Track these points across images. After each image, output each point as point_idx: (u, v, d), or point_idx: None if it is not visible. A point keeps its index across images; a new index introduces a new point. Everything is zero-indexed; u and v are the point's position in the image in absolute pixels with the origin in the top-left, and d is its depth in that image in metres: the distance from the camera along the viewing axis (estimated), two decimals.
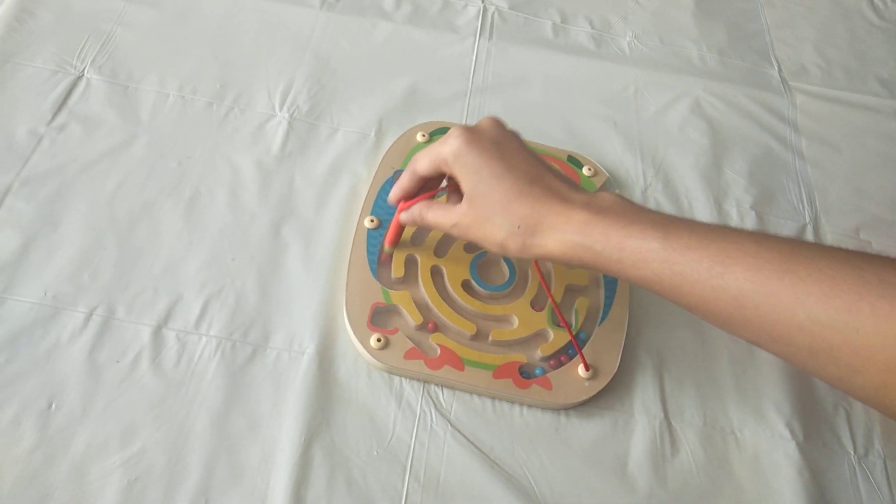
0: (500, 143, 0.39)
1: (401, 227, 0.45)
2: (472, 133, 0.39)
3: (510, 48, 0.64)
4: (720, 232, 0.34)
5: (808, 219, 0.56)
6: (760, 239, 0.33)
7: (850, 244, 0.55)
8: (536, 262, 0.46)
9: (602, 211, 0.36)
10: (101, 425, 0.39)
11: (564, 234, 0.36)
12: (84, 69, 0.54)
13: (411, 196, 0.43)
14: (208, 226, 0.47)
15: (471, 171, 0.38)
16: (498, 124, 0.40)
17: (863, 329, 0.29)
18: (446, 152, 0.39)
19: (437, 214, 0.41)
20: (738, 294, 0.32)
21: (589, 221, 0.36)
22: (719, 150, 0.60)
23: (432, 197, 0.43)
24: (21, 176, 0.47)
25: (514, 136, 0.40)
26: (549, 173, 0.39)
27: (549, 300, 0.45)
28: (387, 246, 0.46)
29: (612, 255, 0.35)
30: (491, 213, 0.38)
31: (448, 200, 0.42)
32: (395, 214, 0.44)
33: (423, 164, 0.41)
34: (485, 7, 0.67)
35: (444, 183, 0.43)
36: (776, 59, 0.69)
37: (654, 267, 0.34)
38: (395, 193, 0.43)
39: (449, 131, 0.39)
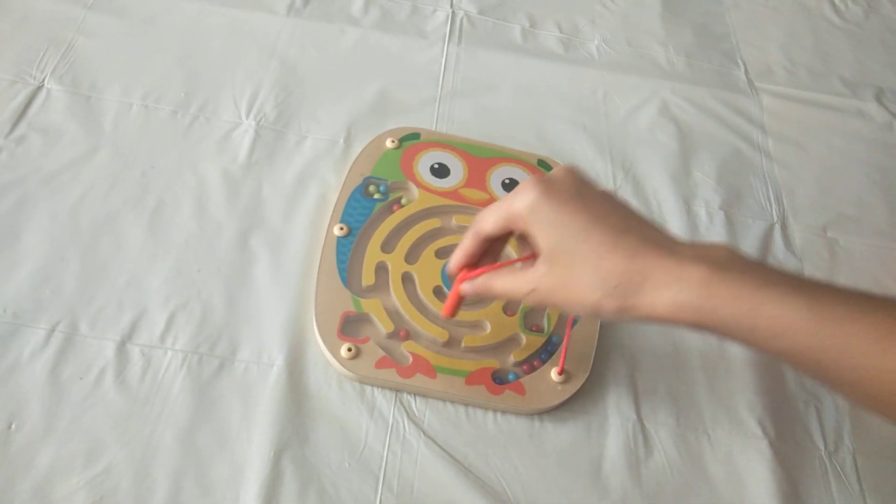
0: (581, 192, 0.34)
1: (460, 299, 0.40)
2: (549, 185, 0.34)
3: (479, 53, 0.64)
4: (871, 300, 0.31)
5: (775, 218, 0.57)
6: None
7: (818, 242, 0.56)
8: (570, 323, 0.42)
9: (723, 268, 0.31)
10: (65, 444, 0.38)
11: (678, 293, 0.31)
12: (44, 79, 0.53)
13: (475, 260, 0.38)
14: (173, 237, 0.46)
15: (551, 226, 0.33)
16: (575, 173, 0.35)
17: None
18: (520, 207, 0.34)
19: (507, 281, 0.36)
20: None
21: (710, 280, 0.31)
22: (688, 152, 0.60)
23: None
24: None
25: (594, 185, 0.35)
26: (643, 222, 0.34)
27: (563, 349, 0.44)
28: (443, 317, 0.42)
29: (743, 322, 0.30)
30: (579, 271, 0.33)
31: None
32: (455, 284, 0.39)
33: (489, 221, 0.36)
34: (453, 12, 0.66)
35: (512, 249, 0.39)
36: (742, 61, 0.70)
37: (799, 339, 0.30)
38: (456, 260, 0.38)
39: (519, 184, 0.35)
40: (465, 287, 0.38)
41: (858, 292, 0.31)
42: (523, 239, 0.37)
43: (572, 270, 0.33)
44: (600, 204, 0.34)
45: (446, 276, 0.47)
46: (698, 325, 0.32)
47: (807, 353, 0.30)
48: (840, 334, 0.29)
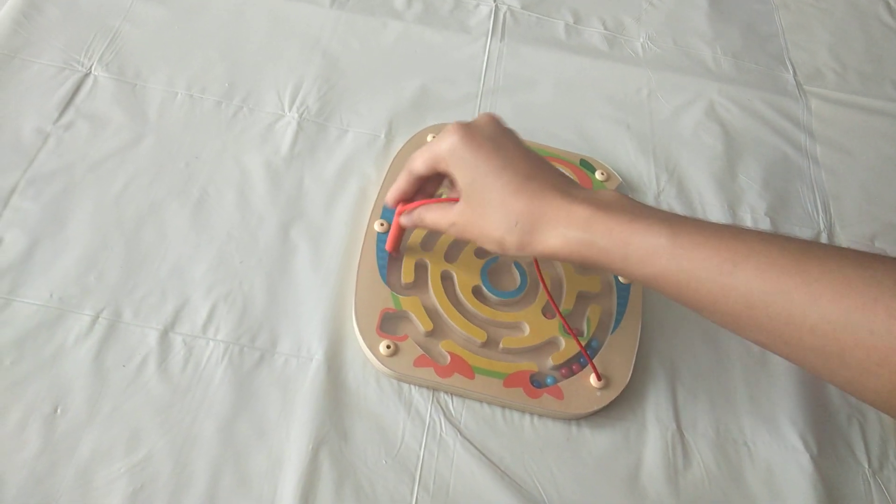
0: (497, 139, 0.38)
1: (401, 231, 0.44)
2: (469, 129, 0.38)
3: (522, 49, 0.63)
4: (729, 230, 0.34)
5: (822, 226, 0.56)
6: (771, 238, 0.33)
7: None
8: (537, 263, 0.44)
9: (605, 206, 0.35)
10: (107, 430, 0.38)
11: (566, 229, 0.35)
12: (91, 66, 0.53)
13: (410, 198, 0.42)
14: (216, 227, 0.47)
15: (467, 167, 0.37)
16: (495, 121, 0.39)
17: (877, 330, 0.28)
18: (443, 149, 0.38)
19: (435, 215, 0.40)
20: (748, 293, 0.31)
21: (592, 217, 0.35)
22: (733, 155, 0.59)
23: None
24: (27, 175, 0.47)
25: (511, 133, 0.39)
26: (547, 169, 0.38)
27: (554, 309, 0.44)
28: (388, 250, 0.46)
29: (617, 251, 0.34)
30: (488, 209, 0.37)
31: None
32: (395, 217, 0.43)
33: (418, 163, 0.40)
34: (497, 7, 0.66)
35: (444, 192, 0.43)
36: (791, 63, 0.68)
37: (661, 263, 0.33)
38: (392, 195, 0.43)
39: (445, 128, 0.38)
40: (404, 219, 0.43)
41: (716, 224, 0.34)
42: (452, 182, 0.40)
43: (483, 209, 0.37)
44: (513, 151, 0.38)
45: (486, 276, 0.46)
46: (582, 257, 0.35)
47: (669, 276, 0.33)
48: (695, 257, 0.32)
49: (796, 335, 0.31)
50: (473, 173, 0.37)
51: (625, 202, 0.36)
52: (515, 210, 0.36)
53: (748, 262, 0.31)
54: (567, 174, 0.39)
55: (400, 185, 0.42)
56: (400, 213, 0.43)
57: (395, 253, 0.46)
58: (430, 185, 0.42)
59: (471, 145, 0.37)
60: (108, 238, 0.45)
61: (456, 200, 0.39)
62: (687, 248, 0.33)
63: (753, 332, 0.33)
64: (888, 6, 0.76)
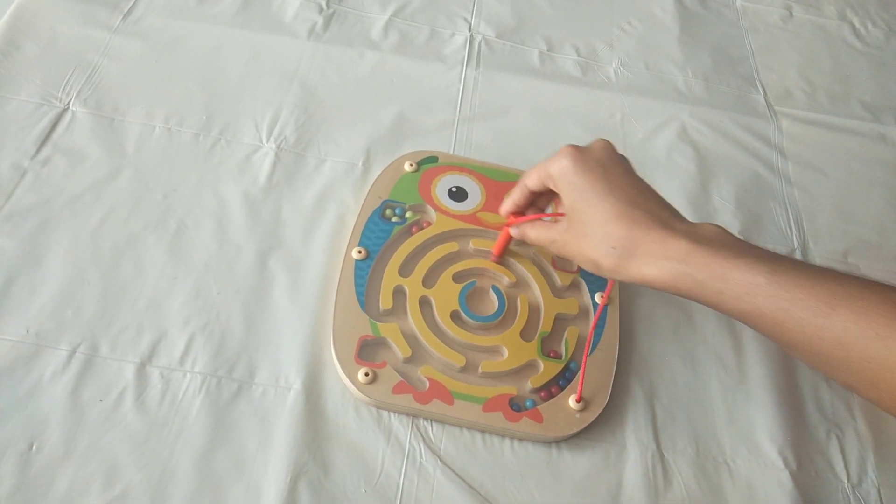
0: (606, 164, 0.39)
1: (508, 240, 0.47)
2: (580, 152, 0.39)
3: (497, 76, 0.64)
4: (828, 272, 0.34)
5: (796, 243, 0.57)
6: (868, 283, 0.33)
7: (838, 268, 0.55)
8: (587, 350, 0.45)
9: (705, 241, 0.36)
10: (84, 466, 0.38)
11: (664, 260, 0.36)
12: (69, 102, 0.54)
13: (521, 209, 0.45)
14: (194, 259, 0.47)
15: (573, 188, 0.39)
16: (608, 147, 0.41)
17: None
18: (553, 169, 0.40)
19: (539, 231, 0.43)
20: (842, 335, 0.32)
21: (691, 250, 0.36)
22: (706, 176, 0.60)
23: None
24: (4, 211, 0.47)
25: (621, 160, 0.40)
26: (651, 198, 0.39)
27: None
28: (494, 258, 0.49)
29: (713, 286, 0.35)
30: (588, 230, 0.38)
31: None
32: (504, 227, 0.47)
33: (531, 178, 0.42)
34: (472, 36, 0.67)
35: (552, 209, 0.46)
36: (761, 84, 0.70)
37: (758, 301, 0.34)
38: (506, 206, 0.45)
39: (560, 149, 0.40)
40: (512, 230, 0.46)
41: (815, 265, 0.36)
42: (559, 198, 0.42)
43: (584, 230, 0.39)
44: (620, 177, 0.39)
45: (464, 300, 0.47)
46: (676, 288, 0.36)
47: (765, 314, 0.34)
48: (792, 297, 0.33)
49: (889, 379, 0.31)
50: (579, 195, 0.39)
51: (724, 237, 0.37)
52: (614, 235, 0.37)
53: (845, 306, 0.32)
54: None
55: (513, 196, 0.44)
56: (509, 224, 0.45)
57: (497, 259, 0.49)
58: (541, 200, 0.45)
59: (580, 168, 0.39)
60: (84, 272, 0.45)
61: (562, 215, 0.41)
62: (785, 287, 0.33)
63: (844, 374, 0.34)
64: (853, 29, 0.78)
